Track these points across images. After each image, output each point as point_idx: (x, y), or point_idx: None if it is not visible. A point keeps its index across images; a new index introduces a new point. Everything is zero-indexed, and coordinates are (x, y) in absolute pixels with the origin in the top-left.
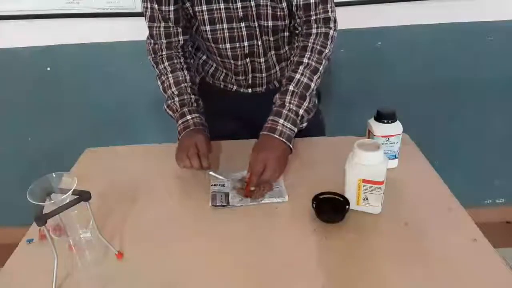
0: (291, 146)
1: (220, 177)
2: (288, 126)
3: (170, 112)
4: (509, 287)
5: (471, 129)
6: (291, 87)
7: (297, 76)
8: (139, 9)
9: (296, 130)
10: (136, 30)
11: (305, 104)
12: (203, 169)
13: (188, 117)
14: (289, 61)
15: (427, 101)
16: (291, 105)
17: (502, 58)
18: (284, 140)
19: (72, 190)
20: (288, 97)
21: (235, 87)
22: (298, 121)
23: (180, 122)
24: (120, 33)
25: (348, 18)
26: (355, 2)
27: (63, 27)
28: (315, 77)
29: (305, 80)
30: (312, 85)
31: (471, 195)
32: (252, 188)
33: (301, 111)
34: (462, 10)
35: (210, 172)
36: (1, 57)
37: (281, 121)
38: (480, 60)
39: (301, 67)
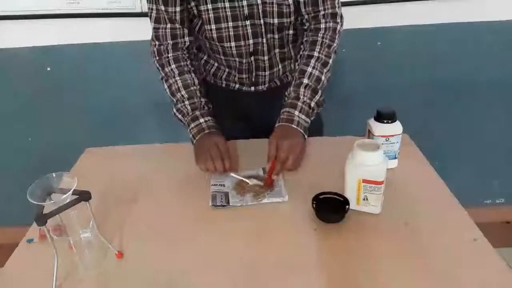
0: (306, 137)
1: (243, 178)
2: (303, 118)
3: (180, 116)
4: (509, 287)
5: (471, 129)
6: (305, 80)
7: (309, 69)
8: (139, 9)
9: (309, 122)
10: (136, 30)
11: (317, 97)
12: (225, 171)
13: (201, 120)
14: (299, 55)
15: (427, 101)
16: (305, 98)
17: (502, 58)
18: (301, 130)
19: (72, 190)
20: (301, 90)
21: (237, 86)
22: (310, 114)
23: (193, 125)
24: (120, 33)
25: (348, 18)
26: (355, 2)
27: (63, 27)
28: (325, 70)
29: (317, 73)
30: (323, 78)
31: (471, 195)
32: (274, 177)
33: (312, 104)
34: (462, 10)
35: (232, 174)
36: (1, 57)
37: (296, 112)
38: (480, 60)
39: (312, 61)
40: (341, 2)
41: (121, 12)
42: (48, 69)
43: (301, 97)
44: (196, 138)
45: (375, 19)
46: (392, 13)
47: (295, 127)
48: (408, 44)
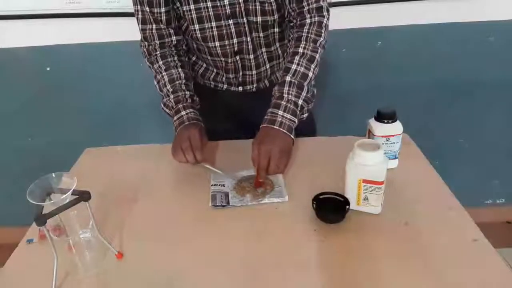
0: (293, 137)
1: (217, 170)
2: (288, 117)
3: (167, 110)
4: (509, 287)
5: (471, 129)
6: (288, 78)
7: (294, 66)
8: None
9: (296, 120)
10: (136, 30)
11: (304, 94)
12: (197, 163)
13: (183, 112)
14: (285, 54)
15: (427, 101)
16: (290, 96)
17: (502, 58)
18: (284, 131)
19: (72, 190)
20: (286, 88)
21: (225, 86)
22: (298, 112)
23: (175, 118)
24: (120, 33)
25: (348, 18)
26: (355, 2)
27: (63, 27)
28: (312, 66)
29: (302, 69)
30: (310, 74)
31: (471, 195)
32: (261, 181)
33: (300, 101)
34: (462, 10)
35: (206, 165)
36: (1, 57)
37: (280, 112)
38: (480, 60)
39: (297, 57)
40: (342, 2)
41: (120, 12)
42: (48, 69)
43: (285, 95)
44: (177, 131)
45: (375, 19)
46: (392, 13)
47: (277, 128)
48: (408, 44)
